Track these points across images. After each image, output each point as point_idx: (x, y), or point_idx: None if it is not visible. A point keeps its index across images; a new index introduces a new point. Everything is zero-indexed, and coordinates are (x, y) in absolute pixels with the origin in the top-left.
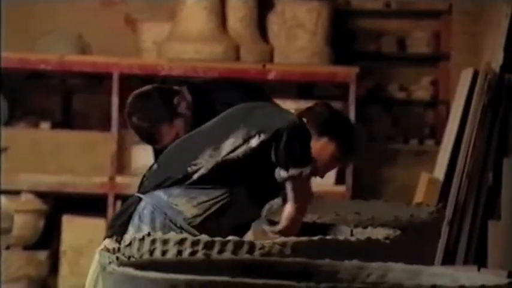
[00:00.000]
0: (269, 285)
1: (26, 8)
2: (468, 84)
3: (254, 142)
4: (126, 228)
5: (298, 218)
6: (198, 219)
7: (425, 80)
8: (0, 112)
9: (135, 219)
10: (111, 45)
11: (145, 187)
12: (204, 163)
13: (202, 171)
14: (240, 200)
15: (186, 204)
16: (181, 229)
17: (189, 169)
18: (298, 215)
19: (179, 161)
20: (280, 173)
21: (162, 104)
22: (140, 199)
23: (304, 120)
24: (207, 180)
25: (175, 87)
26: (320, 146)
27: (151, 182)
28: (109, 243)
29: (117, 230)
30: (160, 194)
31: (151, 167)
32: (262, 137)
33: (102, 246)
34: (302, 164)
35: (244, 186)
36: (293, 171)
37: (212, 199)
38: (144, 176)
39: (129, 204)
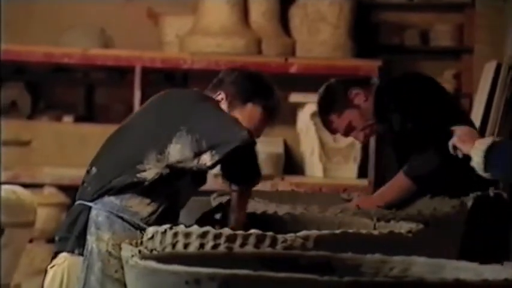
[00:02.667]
0: (291, 278)
1: (50, 3)
2: (491, 77)
3: (208, 160)
4: (84, 239)
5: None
6: (154, 216)
7: (448, 73)
8: (0, 103)
9: (91, 228)
10: (134, 39)
11: (89, 194)
12: (153, 167)
13: (153, 175)
14: (184, 187)
15: (139, 204)
16: (141, 229)
17: (138, 175)
18: (243, 220)
19: (121, 164)
20: (232, 186)
21: (334, 95)
22: (89, 207)
23: (223, 94)
24: (158, 181)
25: (373, 80)
26: (248, 113)
27: (96, 189)
28: (70, 257)
29: (76, 242)
30: (111, 199)
31: (88, 171)
32: (216, 156)
33: (61, 260)
34: (254, 179)
35: (189, 176)
36: (245, 186)
37: (163, 194)
38: (84, 181)
39: (77, 213)
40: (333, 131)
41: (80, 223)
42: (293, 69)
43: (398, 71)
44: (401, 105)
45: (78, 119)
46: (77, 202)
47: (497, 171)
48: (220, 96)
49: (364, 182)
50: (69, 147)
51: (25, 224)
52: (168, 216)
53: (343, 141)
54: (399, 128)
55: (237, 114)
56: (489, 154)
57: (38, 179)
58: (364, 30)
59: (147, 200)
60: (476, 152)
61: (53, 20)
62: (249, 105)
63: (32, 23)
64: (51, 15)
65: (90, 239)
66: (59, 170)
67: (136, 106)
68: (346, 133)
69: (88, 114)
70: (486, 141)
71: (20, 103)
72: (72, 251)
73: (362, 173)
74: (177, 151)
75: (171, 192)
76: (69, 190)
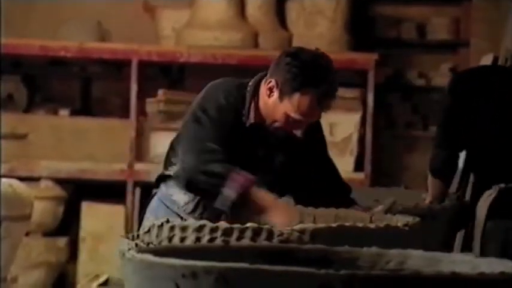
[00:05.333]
0: (288, 272)
1: None
2: None
3: None
4: None
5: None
6: (191, 206)
7: (445, 66)
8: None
9: (147, 213)
10: (131, 33)
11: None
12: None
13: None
14: None
15: (178, 193)
16: (180, 217)
17: (170, 168)
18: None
19: (167, 157)
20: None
21: None
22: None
23: (274, 82)
24: None
25: None
26: (296, 102)
27: (158, 176)
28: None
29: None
30: (162, 186)
31: None
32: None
33: None
34: (222, 184)
35: None
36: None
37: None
38: None
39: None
40: None
41: (143, 209)
42: None
43: (395, 64)
44: None
45: (75, 113)
46: None
47: None
48: (272, 83)
49: (360, 175)
50: (66, 140)
51: (22, 217)
52: (209, 206)
53: (340, 135)
54: None
55: (287, 102)
56: None
57: (35, 172)
58: (361, 24)
59: (184, 190)
60: None
61: (50, 13)
62: (297, 95)
63: (29, 16)
64: (48, 8)
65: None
66: (55, 163)
67: (133, 99)
68: None
69: (84, 108)
70: None
71: (17, 96)
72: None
73: (358, 166)
74: None
75: None
76: (66, 183)
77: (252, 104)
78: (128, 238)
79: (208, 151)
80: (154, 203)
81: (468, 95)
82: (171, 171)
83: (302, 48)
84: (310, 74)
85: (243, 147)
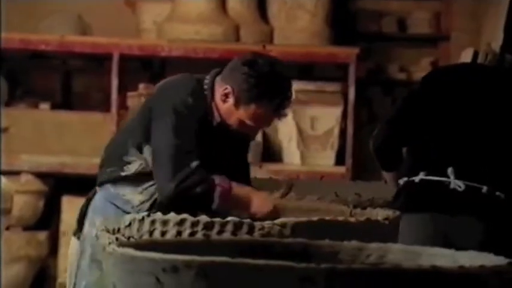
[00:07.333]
0: (268, 265)
1: None
2: None
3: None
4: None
5: None
6: (147, 205)
7: (426, 60)
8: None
9: (89, 213)
10: (111, 26)
11: (98, 179)
12: (137, 159)
13: (136, 167)
14: None
15: (131, 193)
16: None
17: (125, 167)
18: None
19: (113, 154)
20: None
21: None
22: (95, 192)
23: (230, 89)
24: (146, 172)
25: None
26: (252, 112)
27: (99, 175)
28: (74, 241)
29: (77, 227)
30: (108, 186)
31: (102, 155)
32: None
33: (71, 243)
34: (205, 206)
35: None
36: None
37: (155, 183)
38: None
39: (89, 196)
40: None
41: (83, 208)
42: None
43: (376, 58)
44: None
45: (56, 107)
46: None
47: None
48: (227, 90)
49: (341, 169)
50: (47, 134)
51: (2, 211)
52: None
53: (321, 129)
54: None
55: (242, 111)
56: None
57: (16, 166)
58: (342, 18)
59: (139, 189)
60: None
61: (31, 7)
62: (252, 106)
63: (9, 10)
64: (28, 2)
65: (86, 224)
66: (36, 157)
67: (114, 93)
68: None
69: (65, 102)
70: None
71: None
72: (74, 235)
73: (340, 160)
74: (149, 157)
75: None
76: (46, 177)
77: (213, 104)
78: (108, 232)
79: (186, 175)
80: (98, 202)
81: (441, 91)
82: (127, 171)
83: (259, 55)
84: (267, 86)
85: (211, 146)
